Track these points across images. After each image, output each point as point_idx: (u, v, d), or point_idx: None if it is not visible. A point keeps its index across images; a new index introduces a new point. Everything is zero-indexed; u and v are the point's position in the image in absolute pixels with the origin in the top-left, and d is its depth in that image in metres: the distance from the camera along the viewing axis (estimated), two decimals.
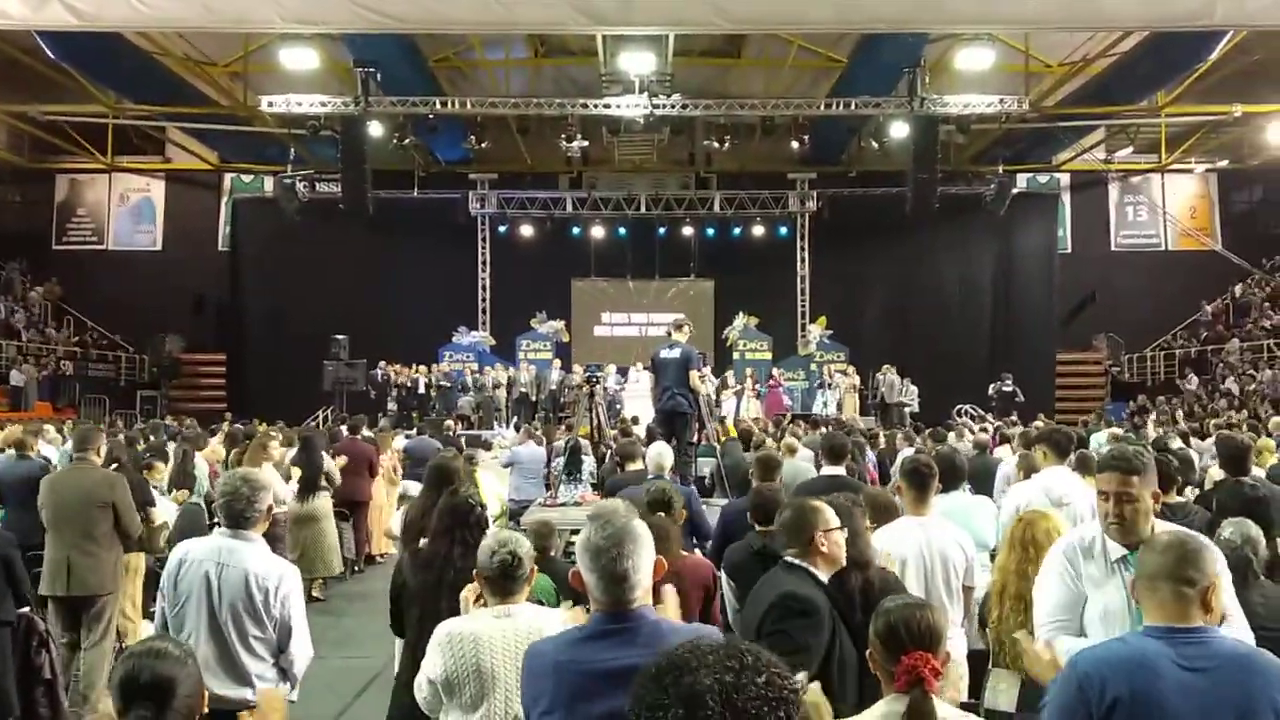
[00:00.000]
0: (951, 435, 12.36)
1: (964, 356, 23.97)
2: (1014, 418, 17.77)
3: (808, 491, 5.72)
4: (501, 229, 25.01)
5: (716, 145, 21.17)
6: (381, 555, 11.46)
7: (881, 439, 12.47)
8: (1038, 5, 10.54)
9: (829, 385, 21.18)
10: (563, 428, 13.27)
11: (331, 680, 6.36)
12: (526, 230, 24.65)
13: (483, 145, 20.91)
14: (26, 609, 5.49)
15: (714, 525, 6.13)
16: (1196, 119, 22.26)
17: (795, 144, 21.07)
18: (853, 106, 19.61)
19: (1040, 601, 3.32)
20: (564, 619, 3.18)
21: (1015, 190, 23.60)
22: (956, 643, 4.11)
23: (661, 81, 19.01)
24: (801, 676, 2.78)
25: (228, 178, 25.59)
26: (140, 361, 24.70)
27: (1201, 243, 25.53)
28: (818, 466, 7.16)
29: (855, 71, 19.36)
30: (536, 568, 3.46)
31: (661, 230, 24.85)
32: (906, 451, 8.36)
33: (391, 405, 20.79)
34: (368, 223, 21.98)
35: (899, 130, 20.11)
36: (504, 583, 3.19)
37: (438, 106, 19.69)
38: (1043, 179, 25.57)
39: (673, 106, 19.47)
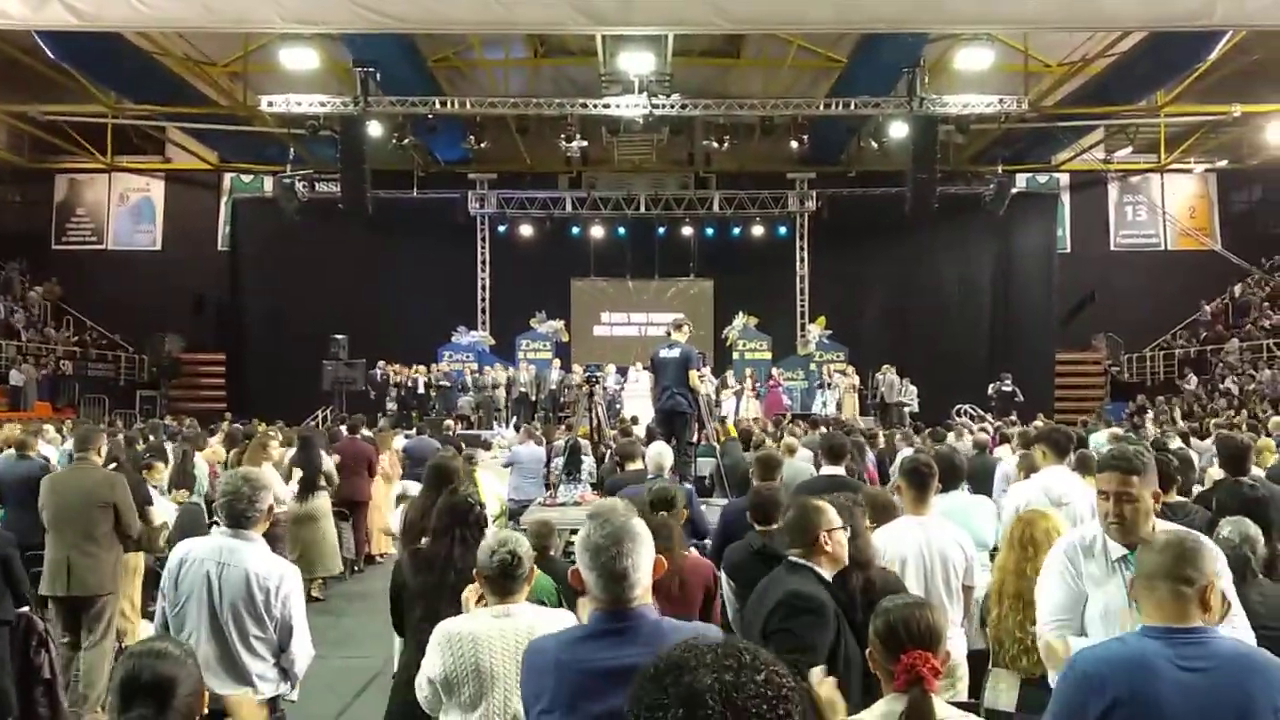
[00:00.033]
0: (951, 435, 12.37)
1: (963, 356, 23.97)
2: (1013, 418, 17.78)
3: (807, 491, 5.72)
4: (501, 229, 25.01)
5: (716, 145, 21.17)
6: (381, 555, 11.46)
7: (881, 439, 12.47)
8: (1037, 5, 10.55)
9: (828, 385, 21.20)
10: (562, 427, 13.29)
11: (331, 680, 6.37)
12: (526, 230, 24.65)
13: (482, 145, 20.90)
14: (26, 609, 5.49)
15: (714, 525, 6.13)
16: (1196, 119, 22.26)
17: (794, 144, 21.07)
18: (852, 106, 19.60)
19: (1042, 600, 3.33)
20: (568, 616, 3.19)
21: (1014, 190, 23.59)
22: (956, 642, 4.11)
23: (661, 81, 19.01)
24: (818, 671, 2.78)
25: (227, 178, 25.58)
26: (140, 361, 24.70)
27: (1201, 242, 25.53)
28: (817, 466, 7.17)
29: (854, 71, 19.36)
30: (537, 568, 3.46)
31: (661, 230, 24.85)
32: (906, 451, 8.35)
33: (391, 405, 20.80)
34: (367, 222, 21.97)
35: (898, 130, 20.11)
36: (504, 582, 3.19)
37: (437, 106, 19.68)
38: (1042, 179, 25.57)
39: (672, 106, 19.48)
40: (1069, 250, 25.63)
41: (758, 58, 20.81)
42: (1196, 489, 6.62)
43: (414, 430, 15.83)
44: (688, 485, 7.56)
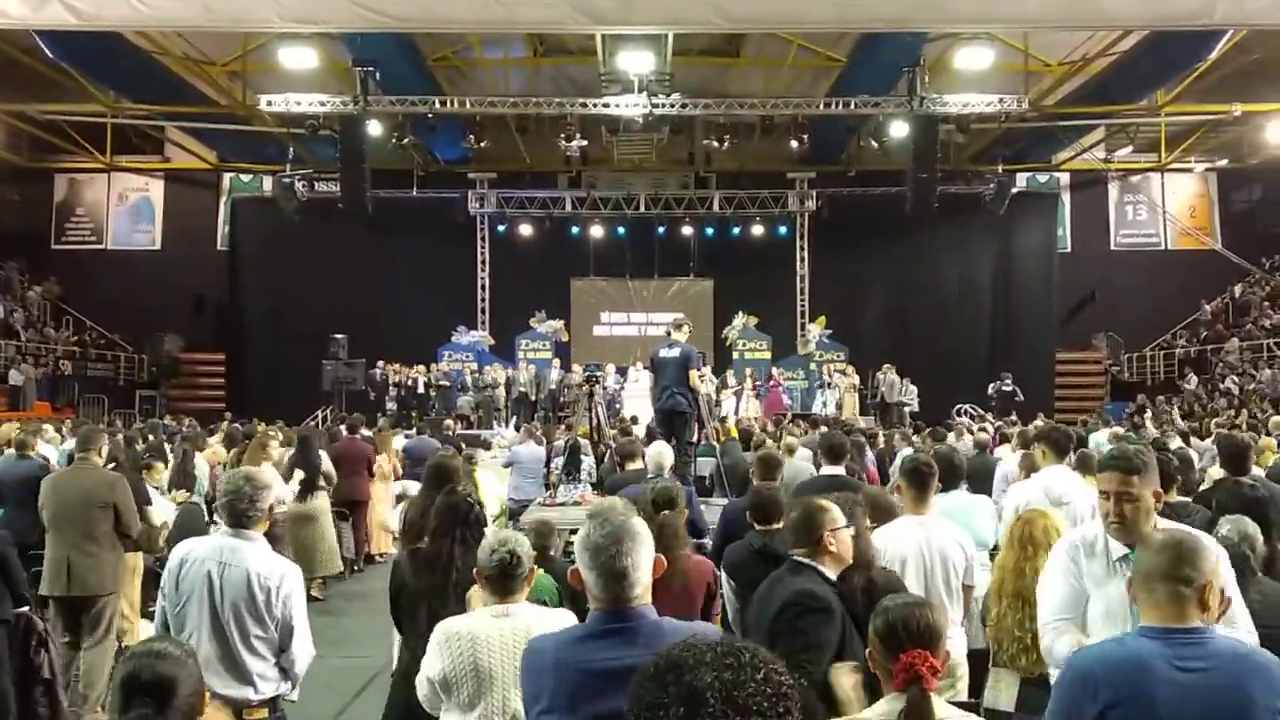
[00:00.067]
0: (951, 435, 12.36)
1: (963, 356, 23.97)
2: (1013, 417, 17.78)
3: (807, 491, 5.72)
4: (500, 228, 25.01)
5: (716, 145, 21.17)
6: (381, 555, 11.46)
7: (880, 438, 12.47)
8: (1037, 4, 10.55)
9: (828, 385, 21.20)
10: (562, 427, 13.28)
11: (331, 680, 6.36)
12: (525, 230, 24.65)
13: (482, 145, 20.89)
14: (25, 608, 5.48)
15: (714, 525, 6.13)
16: (1196, 118, 22.26)
17: (794, 143, 21.07)
18: (852, 106, 19.60)
19: (1044, 599, 3.34)
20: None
21: (1015, 189, 23.58)
22: (956, 642, 4.11)
23: (660, 81, 19.01)
24: (844, 667, 2.77)
25: (227, 177, 25.58)
26: (139, 361, 24.70)
27: (1201, 242, 25.53)
28: (817, 466, 7.17)
29: (854, 71, 19.36)
30: (537, 568, 3.46)
31: (661, 230, 24.85)
32: (905, 451, 8.35)
33: (390, 405, 20.79)
34: (367, 222, 21.97)
35: (898, 130, 20.10)
36: (503, 581, 3.19)
37: (437, 106, 19.68)
38: (1042, 178, 25.57)
39: (672, 106, 19.47)
40: (1069, 250, 25.63)
41: (758, 57, 20.80)
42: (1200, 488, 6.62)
43: (414, 430, 15.83)
44: (690, 486, 7.55)
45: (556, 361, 22.20)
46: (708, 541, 6.01)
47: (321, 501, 9.49)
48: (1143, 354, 24.83)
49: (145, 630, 6.86)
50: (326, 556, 9.39)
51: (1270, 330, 22.46)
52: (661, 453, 6.75)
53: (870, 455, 9.84)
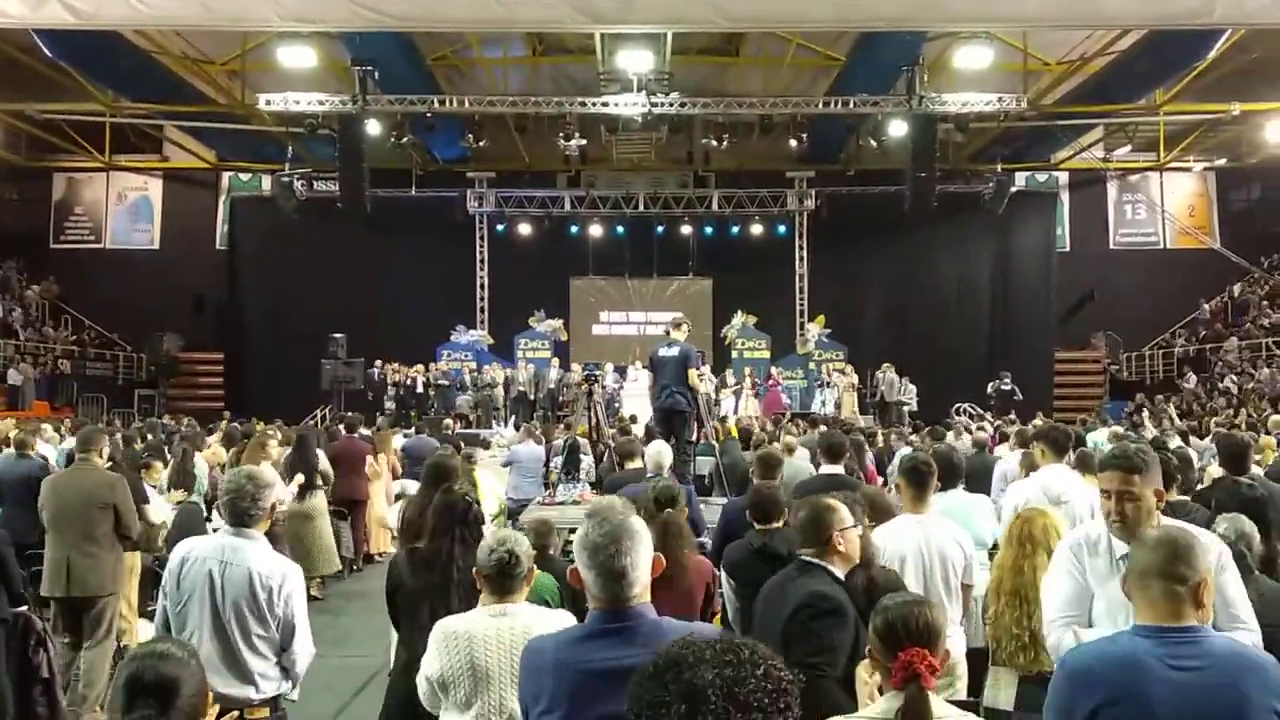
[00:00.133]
0: (949, 434, 12.36)
1: (962, 355, 23.98)
2: (1012, 416, 17.79)
3: (806, 490, 5.73)
4: (499, 228, 24.99)
5: (715, 144, 21.16)
6: (380, 554, 11.46)
7: (879, 438, 12.48)
8: (1036, 3, 10.54)
9: (827, 384, 21.21)
10: (561, 426, 13.29)
11: (330, 679, 6.36)
12: (524, 229, 24.64)
13: (481, 144, 20.88)
14: (24, 608, 5.48)
15: (713, 524, 6.14)
16: (1195, 117, 22.26)
17: (793, 142, 21.07)
18: (851, 105, 19.60)
19: (1049, 597, 3.35)
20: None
21: (1014, 189, 23.58)
22: (955, 641, 4.11)
23: (660, 80, 19.00)
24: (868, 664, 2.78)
25: (225, 176, 25.56)
26: (138, 360, 24.68)
27: (1200, 241, 25.53)
28: (816, 465, 7.18)
29: (854, 70, 19.35)
30: (537, 568, 3.46)
31: (660, 229, 24.84)
32: (903, 450, 8.36)
33: (389, 404, 20.79)
34: (366, 221, 21.96)
35: (897, 129, 20.11)
36: (502, 581, 3.19)
37: (436, 105, 19.67)
38: (1041, 177, 25.57)
39: (671, 105, 19.46)
40: (1068, 249, 25.63)
41: (757, 56, 20.80)
42: (1197, 488, 6.62)
43: (413, 430, 15.83)
44: (689, 486, 7.55)
45: (555, 361, 22.19)
46: (707, 541, 6.01)
47: (319, 501, 9.49)
48: (1141, 353, 24.84)
49: (144, 630, 6.86)
50: (324, 556, 9.38)
51: (1269, 329, 22.48)
52: (660, 452, 6.76)
53: (870, 454, 9.85)
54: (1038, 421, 13.86)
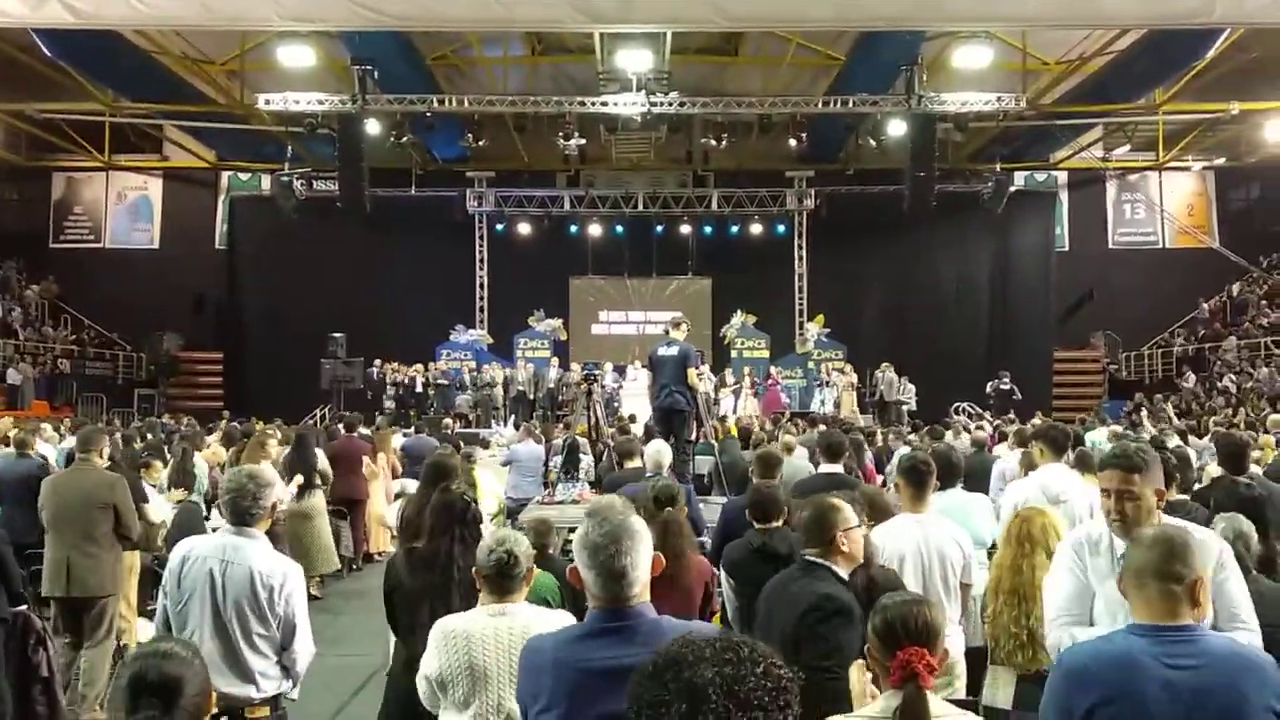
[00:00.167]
0: (949, 434, 12.37)
1: (961, 354, 23.99)
2: (1011, 416, 17.79)
3: (805, 489, 5.74)
4: (499, 227, 24.99)
5: (714, 143, 21.15)
6: (379, 553, 11.46)
7: (879, 437, 12.49)
8: (1036, 3, 10.54)
9: (827, 383, 21.22)
10: (560, 426, 13.28)
11: (329, 678, 6.36)
12: (524, 228, 24.65)
13: (480, 143, 20.87)
14: (24, 607, 5.49)
15: (712, 523, 6.14)
16: (1194, 117, 22.27)
17: (793, 142, 21.06)
18: (850, 104, 19.59)
19: (1050, 596, 3.36)
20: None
21: (1013, 188, 23.60)
22: (954, 640, 4.12)
23: (659, 79, 19.00)
24: (860, 664, 2.79)
25: (225, 176, 25.55)
26: (138, 360, 24.68)
27: (1199, 240, 25.54)
28: (815, 465, 7.18)
29: (853, 69, 19.35)
30: (536, 567, 3.46)
31: (659, 228, 24.84)
32: (902, 450, 8.36)
33: (388, 404, 20.80)
34: (365, 221, 21.96)
35: (896, 128, 20.11)
36: (501, 581, 3.19)
37: (435, 104, 19.67)
38: (1040, 177, 25.56)
39: (670, 104, 19.46)
40: (1067, 248, 25.63)
41: (756, 55, 20.79)
42: (1196, 487, 6.63)
43: (412, 429, 15.83)
44: (689, 485, 7.55)
45: (555, 360, 22.19)
46: (706, 540, 6.01)
47: (318, 500, 9.49)
48: (1140, 352, 24.85)
49: (143, 629, 6.86)
50: (323, 555, 9.38)
51: (1268, 328, 22.49)
52: (660, 451, 6.76)
53: (869, 454, 9.85)
54: (1036, 421, 13.86)
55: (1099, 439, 10.91)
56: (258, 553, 3.79)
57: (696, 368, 9.43)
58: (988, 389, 21.35)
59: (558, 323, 23.70)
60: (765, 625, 3.55)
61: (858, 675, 2.64)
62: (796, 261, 25.26)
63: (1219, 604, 3.10)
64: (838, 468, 6.39)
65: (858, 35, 17.71)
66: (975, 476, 7.30)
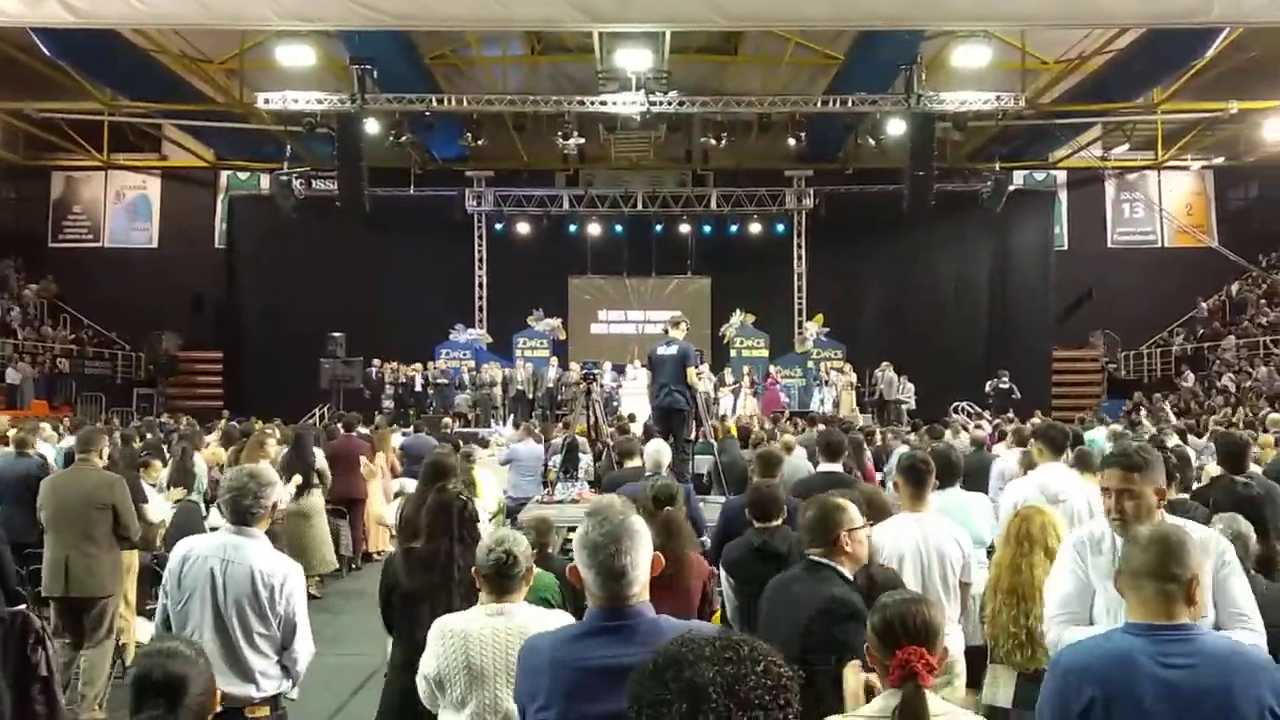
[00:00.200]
0: (948, 433, 12.36)
1: (960, 354, 24.00)
2: (1010, 415, 17.80)
3: (804, 488, 5.74)
4: (498, 226, 24.99)
5: (713, 142, 21.15)
6: (378, 552, 11.45)
7: (878, 437, 12.48)
8: (1035, 2, 10.53)
9: (826, 383, 21.23)
10: (560, 425, 13.28)
11: (328, 678, 6.35)
12: (523, 228, 24.65)
13: (479, 142, 20.87)
14: (23, 606, 5.48)
15: (712, 522, 6.14)
16: (1193, 116, 22.27)
17: (792, 141, 21.06)
18: (849, 104, 19.60)
19: (1050, 594, 3.37)
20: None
21: (1012, 187, 23.61)
22: (954, 639, 4.12)
23: (658, 79, 18.99)
24: (855, 665, 2.79)
25: (224, 175, 25.55)
26: (137, 359, 24.68)
27: (1198, 239, 25.56)
28: (814, 464, 7.18)
29: (852, 68, 19.36)
30: (536, 567, 3.46)
31: (658, 227, 24.84)
32: (900, 449, 8.36)
33: (387, 403, 20.80)
34: (364, 220, 21.96)
35: (896, 127, 20.11)
36: (499, 580, 3.19)
37: (434, 104, 19.66)
38: (1039, 176, 25.57)
39: (669, 104, 19.46)
40: (1066, 247, 25.65)
41: (755, 55, 20.79)
42: (1194, 486, 6.63)
43: (411, 428, 15.83)
44: (688, 484, 7.55)
45: (554, 360, 22.20)
46: (707, 540, 6.01)
47: (316, 500, 9.48)
48: (1139, 352, 24.86)
49: (142, 628, 6.86)
50: (321, 554, 9.38)
51: (1267, 327, 22.51)
52: (659, 450, 6.76)
53: (869, 453, 9.85)
54: (1036, 420, 13.85)
55: (1098, 438, 10.91)
56: (258, 552, 3.79)
57: (696, 367, 9.42)
58: (987, 388, 21.36)
59: (557, 322, 23.71)
60: (769, 625, 3.54)
61: (852, 676, 2.64)
62: (795, 261, 25.26)
63: (1221, 603, 3.10)
64: (837, 467, 6.39)
65: (856, 34, 17.71)
66: (974, 476, 7.30)
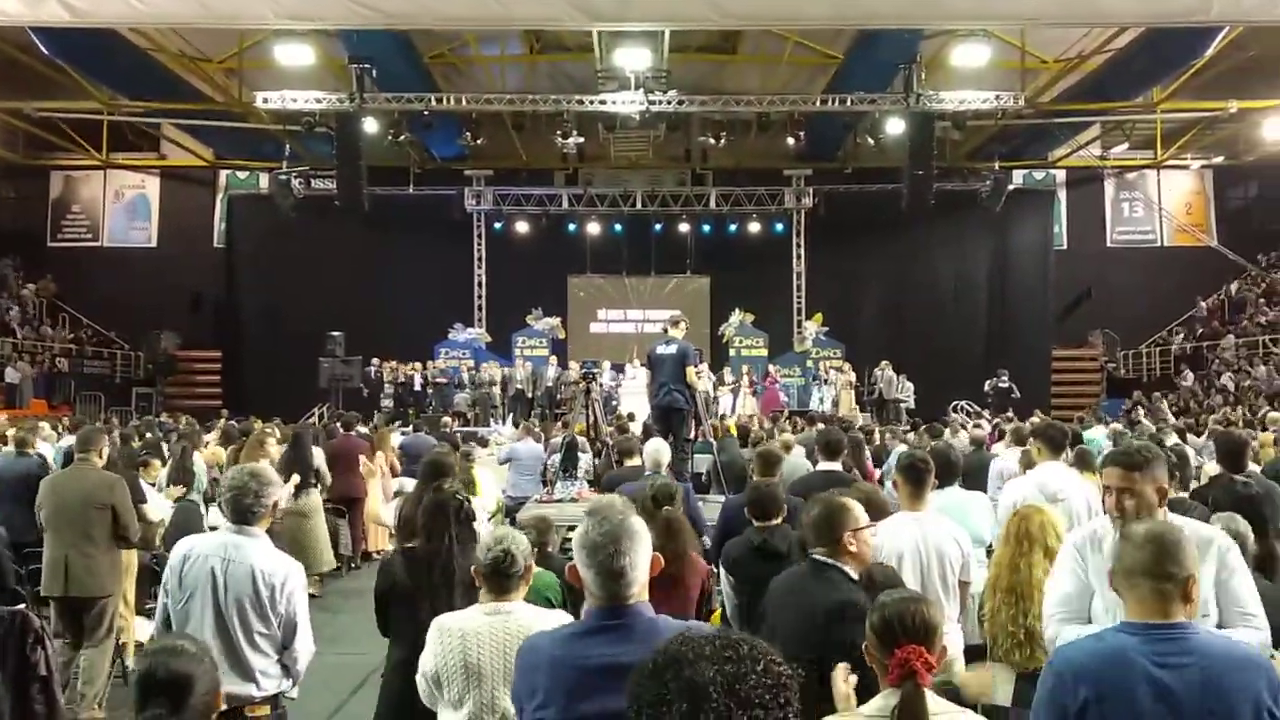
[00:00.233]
0: (947, 432, 12.35)
1: (960, 353, 24.00)
2: (1010, 414, 17.80)
3: (803, 487, 5.75)
4: (497, 226, 24.99)
5: (712, 141, 21.16)
6: (378, 552, 11.44)
7: (877, 436, 12.49)
8: (1034, 1, 10.53)
9: (825, 382, 21.23)
10: (559, 424, 13.29)
11: (327, 677, 6.35)
12: (522, 227, 24.65)
13: (478, 142, 20.87)
14: (22, 605, 5.48)
15: (712, 521, 6.14)
16: (1192, 115, 22.29)
17: (791, 140, 21.07)
18: (849, 103, 19.59)
19: (1051, 592, 3.38)
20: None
21: (1011, 186, 23.62)
22: (953, 638, 4.12)
23: (657, 78, 18.98)
24: (842, 668, 2.79)
25: (223, 174, 25.54)
26: (136, 358, 24.68)
27: (1197, 239, 25.58)
28: (813, 463, 7.18)
29: (851, 68, 19.36)
30: (536, 566, 3.45)
31: (657, 227, 24.83)
32: (899, 448, 8.36)
33: (386, 402, 20.79)
34: (363, 219, 21.97)
35: (895, 127, 20.11)
36: (498, 580, 3.19)
37: (433, 103, 19.65)
38: (1038, 175, 25.58)
39: (669, 103, 19.45)
40: (1065, 246, 25.66)
41: (754, 54, 20.79)
42: (1193, 485, 6.64)
43: (410, 428, 15.82)
44: (687, 484, 7.55)
45: (553, 359, 22.19)
46: (707, 540, 6.00)
47: (314, 499, 9.48)
48: (1139, 351, 24.87)
49: (141, 627, 6.86)
50: (319, 554, 9.37)
51: (1266, 327, 22.52)
52: (659, 449, 6.76)
53: (868, 452, 9.85)
54: (1035, 419, 13.85)
55: (1097, 437, 10.91)
56: (259, 551, 3.79)
57: (695, 366, 9.42)
58: (986, 387, 21.37)
59: (556, 321, 23.70)
60: (773, 624, 3.52)
61: (841, 679, 2.64)
62: (795, 260, 25.26)
63: (1225, 602, 3.10)
64: (836, 466, 6.39)
65: (856, 33, 17.71)
66: (973, 475, 7.31)
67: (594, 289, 25.67)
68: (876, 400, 20.93)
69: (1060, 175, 25.74)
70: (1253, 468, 6.38)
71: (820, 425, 11.79)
